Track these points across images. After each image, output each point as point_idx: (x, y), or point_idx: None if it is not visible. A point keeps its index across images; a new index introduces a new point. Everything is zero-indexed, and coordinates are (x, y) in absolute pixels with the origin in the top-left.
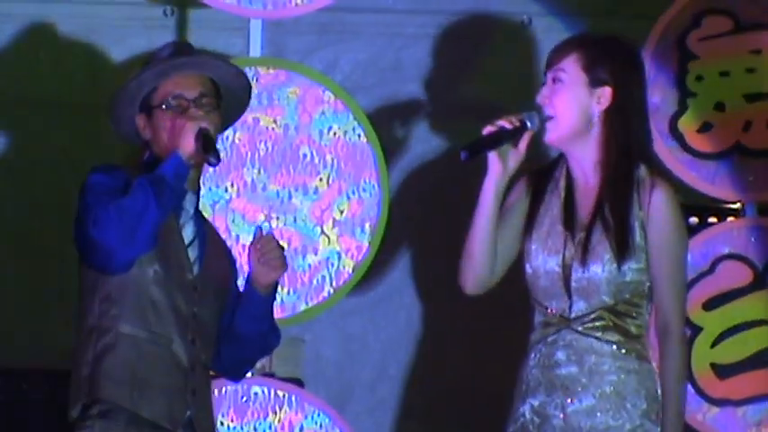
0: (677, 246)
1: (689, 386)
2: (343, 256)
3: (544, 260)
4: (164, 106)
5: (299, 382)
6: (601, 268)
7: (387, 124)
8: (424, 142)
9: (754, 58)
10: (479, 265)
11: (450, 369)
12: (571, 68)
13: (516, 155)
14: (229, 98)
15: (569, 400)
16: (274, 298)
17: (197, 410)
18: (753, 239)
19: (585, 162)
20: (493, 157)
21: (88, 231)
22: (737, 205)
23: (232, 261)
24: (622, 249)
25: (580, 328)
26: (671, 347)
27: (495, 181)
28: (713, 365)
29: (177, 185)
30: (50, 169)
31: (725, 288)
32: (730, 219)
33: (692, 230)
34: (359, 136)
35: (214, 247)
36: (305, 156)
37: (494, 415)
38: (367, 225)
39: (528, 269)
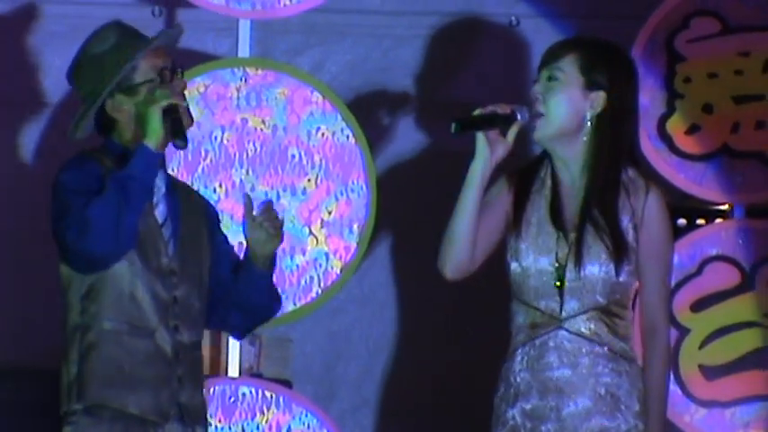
0: (668, 248)
1: (677, 388)
2: (331, 256)
3: (536, 259)
4: (156, 79)
5: (287, 383)
6: (597, 268)
7: (375, 125)
8: (412, 143)
9: (743, 60)
10: (460, 249)
11: (436, 368)
12: (569, 68)
13: (504, 144)
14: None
15: (564, 403)
16: (273, 270)
17: (185, 398)
18: (741, 241)
19: (572, 163)
20: (481, 141)
21: (65, 238)
22: (725, 207)
23: (208, 213)
24: (619, 250)
25: (572, 329)
26: (657, 348)
27: (481, 166)
28: (701, 367)
29: (149, 180)
30: (40, 169)
31: (713, 289)
32: (718, 220)
33: (680, 232)
34: (347, 137)
35: (188, 210)
36: (293, 156)
37: (480, 414)
38: (355, 226)
39: (516, 268)
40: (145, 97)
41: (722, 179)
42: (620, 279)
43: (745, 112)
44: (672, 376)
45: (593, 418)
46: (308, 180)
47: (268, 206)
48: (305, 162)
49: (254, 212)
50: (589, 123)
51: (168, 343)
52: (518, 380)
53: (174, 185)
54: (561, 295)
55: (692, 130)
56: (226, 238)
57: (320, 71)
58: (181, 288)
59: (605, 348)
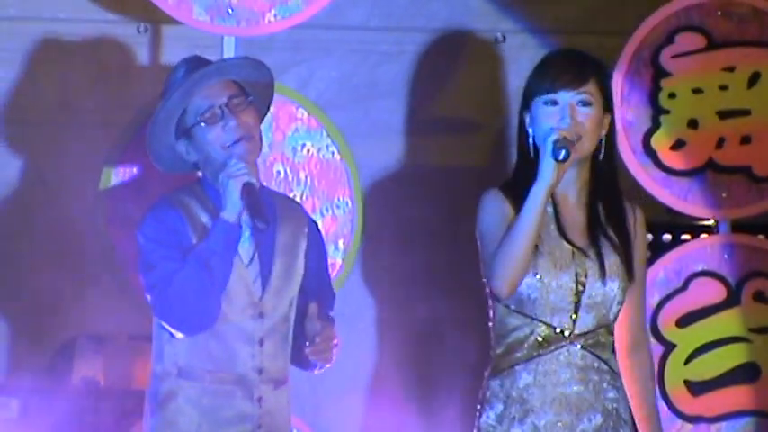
0: (645, 264)
1: (663, 403)
2: None
3: (557, 275)
4: (201, 123)
5: None
6: (617, 285)
7: (361, 141)
8: (398, 159)
9: (727, 75)
10: (522, 268)
11: (420, 384)
12: (595, 92)
13: (562, 169)
14: (255, 91)
15: (579, 420)
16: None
17: None
18: (726, 256)
19: (576, 181)
20: (552, 166)
21: (154, 309)
22: (711, 222)
23: (309, 235)
24: (631, 268)
25: (584, 345)
26: (644, 358)
27: (548, 189)
28: (687, 382)
29: (231, 254)
30: (24, 187)
31: (698, 305)
32: (704, 236)
33: (666, 248)
34: (332, 153)
35: (285, 239)
36: (279, 173)
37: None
38: (341, 242)
39: (536, 282)
40: (225, 169)
41: (707, 194)
42: (623, 296)
43: (730, 128)
44: (657, 391)
45: None
46: (294, 196)
47: (330, 335)
48: (290, 178)
49: (317, 324)
50: (602, 144)
51: (251, 388)
52: (525, 396)
53: (263, 211)
54: (576, 311)
55: (678, 145)
56: (318, 264)
57: (306, 88)
58: (268, 329)
59: (607, 365)
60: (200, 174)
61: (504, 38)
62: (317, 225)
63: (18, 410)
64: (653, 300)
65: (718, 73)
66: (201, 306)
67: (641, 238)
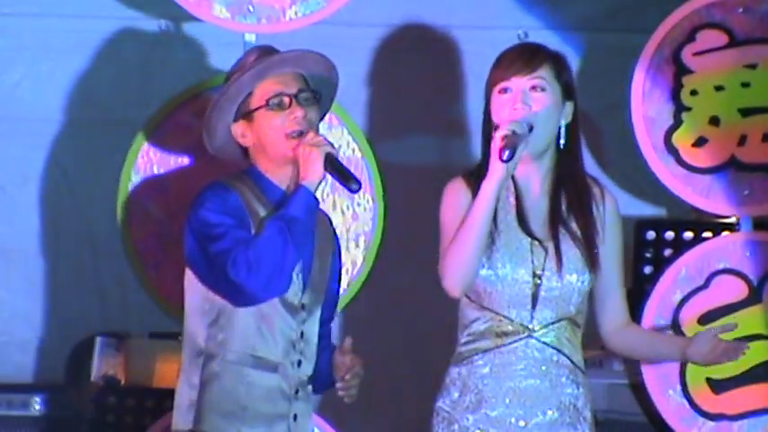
0: (623, 250)
1: (684, 401)
2: None
3: (513, 268)
4: (267, 106)
5: None
6: (576, 278)
7: (382, 139)
8: (420, 157)
9: (749, 73)
10: (473, 266)
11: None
12: (550, 78)
13: (514, 163)
14: (321, 90)
15: (533, 413)
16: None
17: None
18: (748, 254)
19: (538, 173)
20: (500, 162)
21: (230, 273)
22: (733, 219)
23: (335, 245)
24: (595, 260)
25: (542, 339)
26: (633, 326)
27: (497, 184)
28: (709, 380)
29: (311, 222)
30: (47, 184)
31: (720, 303)
32: (725, 233)
33: (688, 245)
34: (353, 150)
35: (322, 241)
36: None
37: None
38: (362, 240)
39: (490, 276)
40: (304, 140)
41: (729, 192)
42: (588, 288)
43: (752, 125)
44: (679, 389)
45: (559, 429)
46: None
47: (355, 373)
48: None
49: (347, 359)
50: (563, 133)
51: (290, 379)
52: (480, 386)
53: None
54: (534, 304)
55: (699, 142)
56: (338, 275)
57: None
58: (308, 323)
59: (568, 359)
60: (247, 162)
61: (526, 35)
62: (338, 239)
63: (40, 408)
64: (675, 297)
65: (740, 70)
66: (279, 271)
67: (613, 226)
